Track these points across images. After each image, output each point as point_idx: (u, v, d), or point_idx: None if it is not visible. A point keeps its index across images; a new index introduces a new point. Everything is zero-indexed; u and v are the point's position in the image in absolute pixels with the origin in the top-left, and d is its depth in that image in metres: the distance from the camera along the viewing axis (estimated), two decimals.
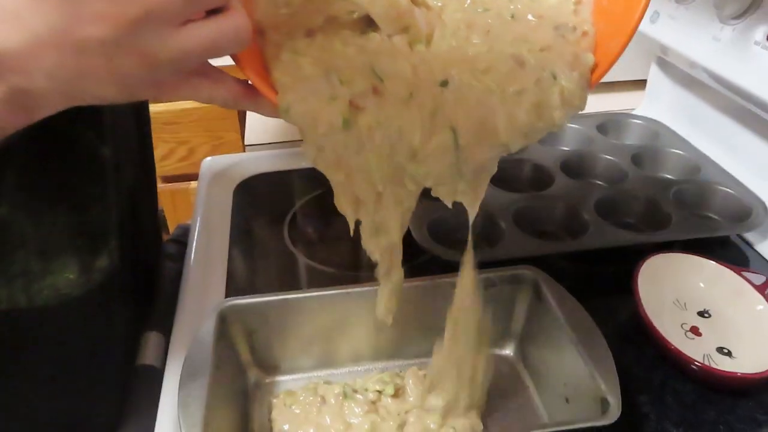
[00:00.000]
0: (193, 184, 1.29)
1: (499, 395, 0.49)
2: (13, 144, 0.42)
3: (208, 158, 0.85)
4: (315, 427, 0.47)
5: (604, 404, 0.41)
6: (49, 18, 0.29)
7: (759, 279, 0.56)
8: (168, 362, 0.54)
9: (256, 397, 0.51)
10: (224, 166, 0.83)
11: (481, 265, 0.54)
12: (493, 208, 0.65)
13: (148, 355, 0.64)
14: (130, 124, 0.63)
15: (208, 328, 0.47)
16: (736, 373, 0.49)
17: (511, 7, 0.40)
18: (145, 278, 0.68)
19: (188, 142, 1.24)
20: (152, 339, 0.65)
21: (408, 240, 0.61)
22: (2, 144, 0.36)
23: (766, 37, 0.63)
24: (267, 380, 0.52)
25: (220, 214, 0.74)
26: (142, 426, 0.57)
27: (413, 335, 0.52)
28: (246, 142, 0.87)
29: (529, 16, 0.40)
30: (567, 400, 0.46)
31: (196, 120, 1.21)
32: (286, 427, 0.47)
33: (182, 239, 0.81)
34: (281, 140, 0.88)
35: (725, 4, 0.67)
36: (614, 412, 0.40)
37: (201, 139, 1.24)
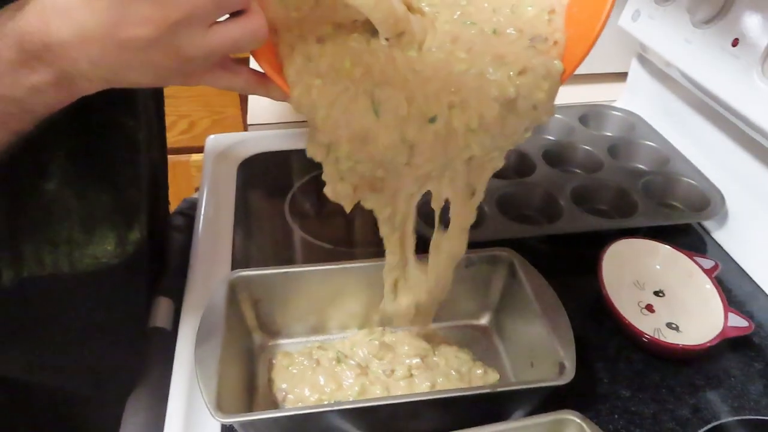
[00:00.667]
0: (194, 156, 1.33)
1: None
2: (62, 128, 0.47)
3: (212, 136, 0.90)
4: (310, 387, 0.53)
5: (561, 368, 0.48)
6: (98, 17, 0.33)
7: (708, 264, 0.63)
8: (181, 325, 0.61)
9: (259, 358, 0.57)
10: (228, 144, 0.88)
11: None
12: None
13: (160, 318, 0.70)
14: (151, 102, 0.68)
15: (219, 295, 0.53)
16: (679, 344, 0.56)
17: (494, 20, 0.46)
18: (156, 248, 0.74)
19: (189, 115, 1.28)
20: (163, 303, 0.71)
21: None
22: (48, 120, 0.41)
23: (731, 44, 0.69)
24: (269, 343, 0.58)
25: (224, 189, 0.80)
26: (157, 380, 0.64)
27: None
28: (249, 122, 0.92)
29: (509, 30, 0.45)
30: (532, 365, 0.53)
31: (197, 95, 1.25)
32: (284, 385, 0.54)
33: (188, 212, 0.86)
34: (283, 121, 0.93)
35: (697, 8, 0.73)
36: (569, 374, 0.46)
37: (201, 113, 1.28)
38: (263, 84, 0.42)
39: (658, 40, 0.81)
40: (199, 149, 1.33)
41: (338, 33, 0.44)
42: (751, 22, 0.66)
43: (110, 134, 0.54)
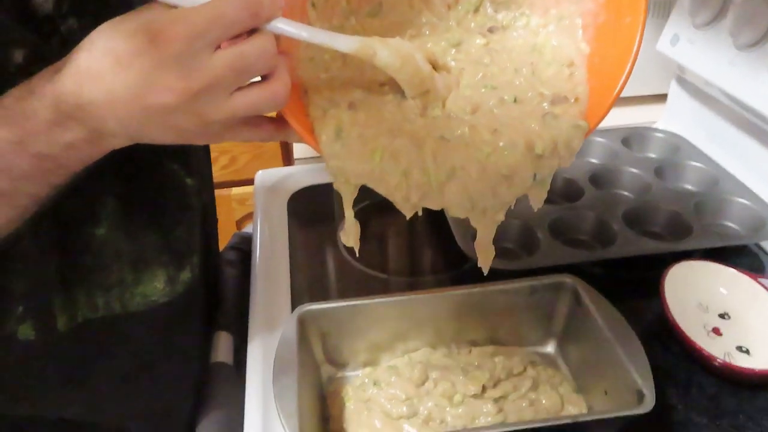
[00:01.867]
0: (234, 190, 1.36)
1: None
2: (111, 174, 0.49)
3: (261, 171, 0.92)
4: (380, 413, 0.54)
5: (639, 396, 0.47)
6: (127, 83, 0.35)
7: None
8: (249, 359, 0.61)
9: (329, 391, 0.58)
10: (277, 179, 0.90)
11: (523, 273, 0.61)
12: (530, 220, 0.72)
13: (220, 353, 0.71)
14: (202, 147, 0.70)
15: (290, 329, 0.54)
16: (754, 369, 0.55)
17: (516, 83, 0.46)
18: (212, 281, 0.75)
19: (230, 151, 1.31)
20: (222, 338, 0.72)
21: (455, 249, 0.69)
22: (97, 167, 0.43)
23: None
24: (338, 375, 0.59)
25: (277, 223, 0.81)
26: (221, 417, 0.64)
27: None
28: (295, 156, 0.94)
29: (530, 94, 0.45)
30: (606, 393, 0.52)
31: None
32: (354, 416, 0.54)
33: (239, 246, 0.87)
34: None
35: (740, 32, 0.74)
36: (649, 402, 0.46)
37: (242, 148, 1.31)
38: (283, 130, 0.43)
39: (700, 64, 0.82)
40: (240, 183, 1.36)
41: (369, 97, 0.45)
42: None
43: (158, 178, 0.56)
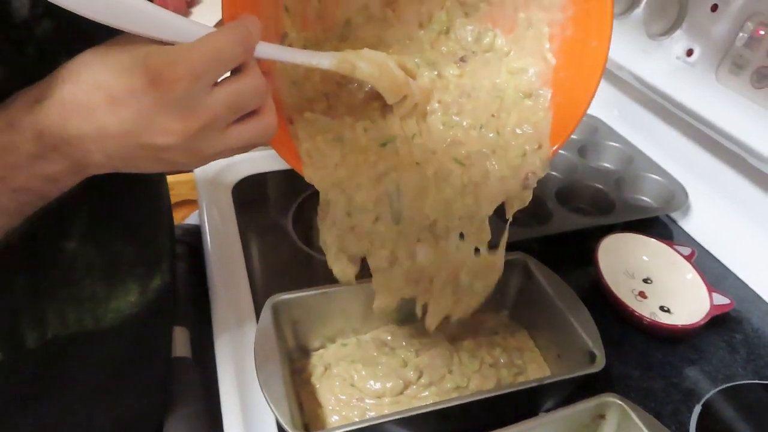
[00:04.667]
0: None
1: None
2: (85, 193, 0.47)
3: None
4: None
5: (591, 356, 0.54)
6: (122, 122, 0.34)
7: (686, 251, 0.71)
8: (218, 353, 0.61)
9: (299, 375, 0.60)
10: (217, 170, 0.89)
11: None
12: None
13: (179, 348, 0.71)
14: None
15: (267, 319, 0.56)
16: (676, 324, 0.63)
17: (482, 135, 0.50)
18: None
19: None
20: (180, 333, 0.72)
21: None
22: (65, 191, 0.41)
23: (686, 53, 0.78)
24: (307, 359, 0.61)
25: (224, 214, 0.81)
26: (188, 412, 0.64)
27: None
28: None
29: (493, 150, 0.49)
30: (558, 356, 0.58)
31: None
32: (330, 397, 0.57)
33: (184, 239, 0.86)
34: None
35: (652, 22, 0.82)
36: (601, 361, 0.52)
37: None
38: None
39: (615, 51, 0.89)
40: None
41: (353, 129, 0.49)
42: (703, 36, 0.75)
43: (135, 190, 0.54)
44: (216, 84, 0.36)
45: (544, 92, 0.49)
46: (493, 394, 0.51)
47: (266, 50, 0.39)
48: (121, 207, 0.52)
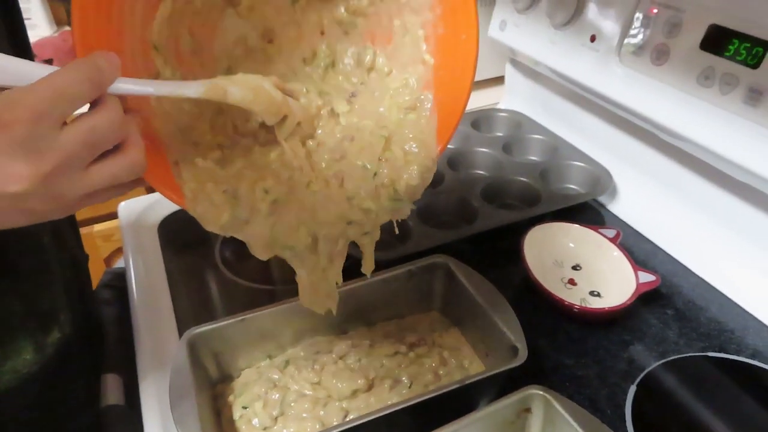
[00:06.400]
0: (97, 226, 1.29)
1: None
2: None
3: (123, 203, 0.89)
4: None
5: (514, 351, 0.53)
6: None
7: (611, 233, 0.71)
8: (143, 396, 0.60)
9: (223, 404, 0.57)
10: (141, 208, 0.87)
11: (400, 260, 0.65)
12: None
13: (111, 396, 0.68)
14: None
15: (181, 355, 0.54)
16: (605, 308, 0.63)
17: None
18: (89, 328, 0.72)
19: None
20: (110, 380, 0.69)
21: None
22: None
23: (589, 39, 0.79)
24: (231, 387, 0.59)
25: (150, 253, 0.79)
26: None
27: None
28: None
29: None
30: (487, 355, 0.57)
31: None
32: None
33: (112, 283, 0.84)
34: None
35: (555, 13, 0.83)
36: (522, 355, 0.52)
37: None
38: (143, 181, 0.42)
39: (526, 45, 0.91)
40: (102, 218, 1.29)
41: (233, 153, 0.48)
42: (603, 21, 0.76)
43: (11, 243, 0.52)
44: (67, 123, 0.35)
45: (425, 96, 0.49)
46: (413, 402, 0.49)
47: (124, 86, 0.38)
48: (2, 262, 0.50)
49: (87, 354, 0.66)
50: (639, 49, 0.72)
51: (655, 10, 0.70)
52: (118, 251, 1.29)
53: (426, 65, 0.50)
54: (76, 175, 0.35)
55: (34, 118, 0.33)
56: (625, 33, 0.74)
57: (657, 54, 0.70)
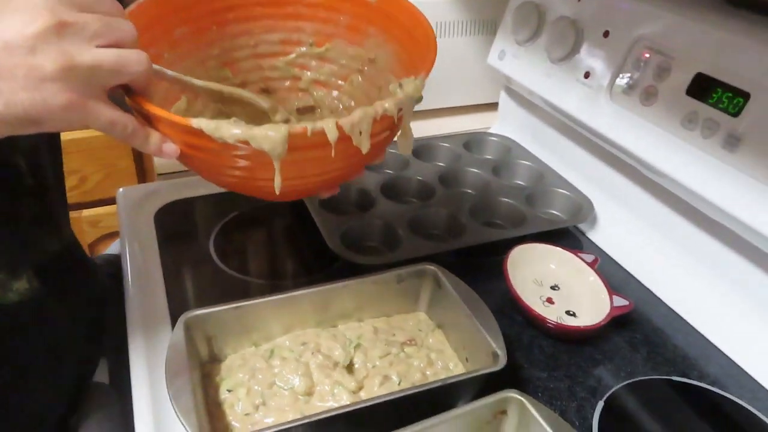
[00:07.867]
0: (85, 212, 1.30)
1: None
2: None
3: (122, 189, 0.90)
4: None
5: (494, 356, 0.56)
6: None
7: (590, 258, 0.75)
8: (133, 378, 0.60)
9: (210, 387, 0.59)
10: (140, 196, 0.89)
11: (389, 267, 0.68)
12: (392, 219, 0.80)
13: (99, 375, 0.70)
14: (45, 149, 0.66)
15: (178, 334, 0.56)
16: (580, 326, 0.67)
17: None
18: (84, 304, 0.73)
19: (79, 170, 1.25)
20: (103, 363, 0.72)
21: (324, 249, 0.74)
22: None
23: (583, 76, 0.84)
24: (219, 371, 0.61)
25: (146, 240, 0.81)
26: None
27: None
28: (158, 172, 0.94)
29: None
30: (467, 359, 0.61)
31: (86, 149, 1.23)
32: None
33: (108, 269, 0.85)
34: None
35: (553, 49, 0.88)
36: (502, 360, 0.55)
37: (92, 167, 1.25)
38: (142, 131, 0.44)
39: (523, 75, 0.95)
40: (92, 204, 1.30)
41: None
42: (598, 60, 0.81)
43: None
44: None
45: (372, 31, 0.59)
46: (394, 397, 0.52)
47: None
48: None
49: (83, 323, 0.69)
50: (629, 89, 0.77)
51: (647, 55, 0.75)
52: (105, 237, 1.30)
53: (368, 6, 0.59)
54: (84, 43, 0.38)
55: None
56: (617, 73, 0.79)
57: (646, 95, 0.75)
